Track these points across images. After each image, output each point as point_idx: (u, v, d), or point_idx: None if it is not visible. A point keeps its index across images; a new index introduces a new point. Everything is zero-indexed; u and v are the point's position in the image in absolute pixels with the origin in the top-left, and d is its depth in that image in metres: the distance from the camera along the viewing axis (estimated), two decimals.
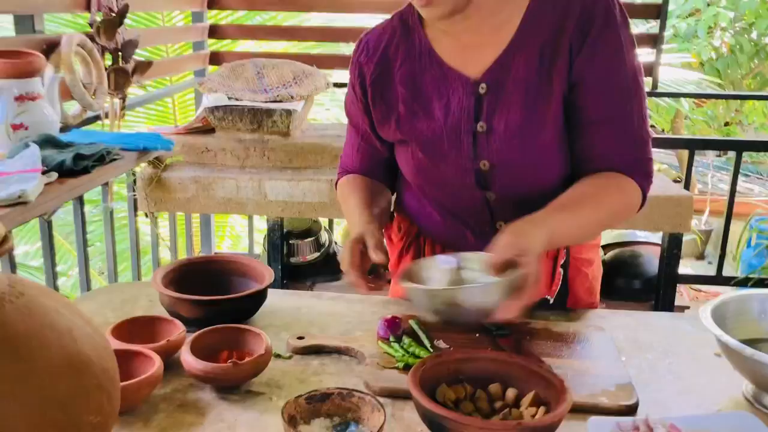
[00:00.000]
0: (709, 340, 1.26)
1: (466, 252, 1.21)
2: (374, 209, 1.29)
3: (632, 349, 1.26)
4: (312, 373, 1.16)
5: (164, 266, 1.38)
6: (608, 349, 1.23)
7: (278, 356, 1.20)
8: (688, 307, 2.97)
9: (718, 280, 3.22)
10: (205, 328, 1.16)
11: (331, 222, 3.43)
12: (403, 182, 1.41)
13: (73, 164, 1.49)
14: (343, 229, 3.53)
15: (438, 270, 1.19)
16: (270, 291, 1.35)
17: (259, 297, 1.32)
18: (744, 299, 1.17)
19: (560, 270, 1.36)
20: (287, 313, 1.38)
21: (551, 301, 1.37)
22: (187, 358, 1.08)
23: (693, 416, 1.02)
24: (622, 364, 1.18)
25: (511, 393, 1.00)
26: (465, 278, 1.18)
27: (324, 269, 2.91)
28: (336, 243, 3.09)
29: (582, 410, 1.04)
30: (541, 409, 0.95)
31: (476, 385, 1.02)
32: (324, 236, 2.96)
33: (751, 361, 1.02)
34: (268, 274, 1.35)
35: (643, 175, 1.21)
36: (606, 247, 3.11)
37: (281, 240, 2.71)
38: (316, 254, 2.91)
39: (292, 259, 2.85)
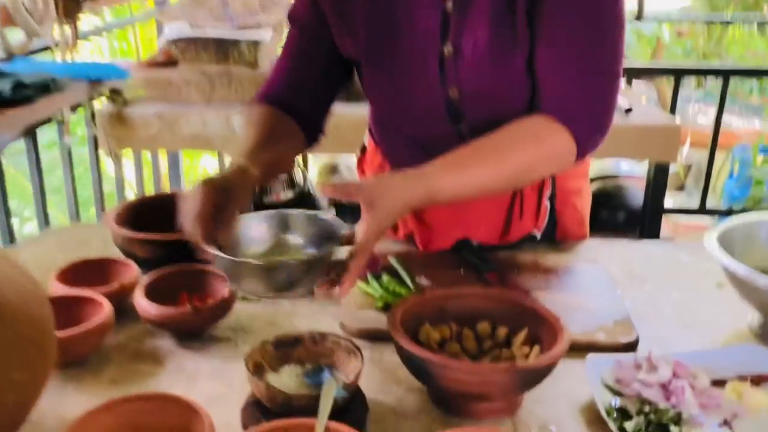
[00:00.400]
0: (709, 269, 1.18)
1: (297, 210, 1.02)
2: (264, 153, 1.02)
3: (628, 281, 1.17)
4: (283, 316, 1.06)
5: (119, 204, 1.26)
6: (603, 281, 1.14)
7: (245, 299, 1.09)
8: (672, 239, 2.92)
9: (702, 212, 3.17)
10: (162, 269, 1.04)
11: (305, 158, 3.30)
12: (371, 114, 1.29)
13: (12, 93, 1.34)
14: (320, 166, 3.40)
15: (260, 229, 0.99)
16: None
17: None
18: (751, 225, 1.08)
19: (546, 203, 1.26)
20: None
21: (538, 237, 1.27)
22: (142, 303, 0.97)
23: (698, 352, 0.94)
24: (619, 297, 1.09)
25: (501, 331, 0.91)
26: (290, 243, 0.99)
27: (300, 209, 2.78)
28: (311, 182, 2.96)
29: (578, 348, 0.96)
30: (535, 348, 0.86)
31: (462, 324, 0.92)
32: (298, 174, 2.83)
33: (762, 291, 0.93)
34: None
35: (587, 120, 1.03)
36: (590, 181, 3.02)
37: None
38: (291, 193, 2.78)
39: (265, 199, 2.72)
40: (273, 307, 1.08)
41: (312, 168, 3.45)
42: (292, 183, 2.81)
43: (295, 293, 0.87)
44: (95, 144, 2.45)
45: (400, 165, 1.26)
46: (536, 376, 0.79)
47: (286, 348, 0.85)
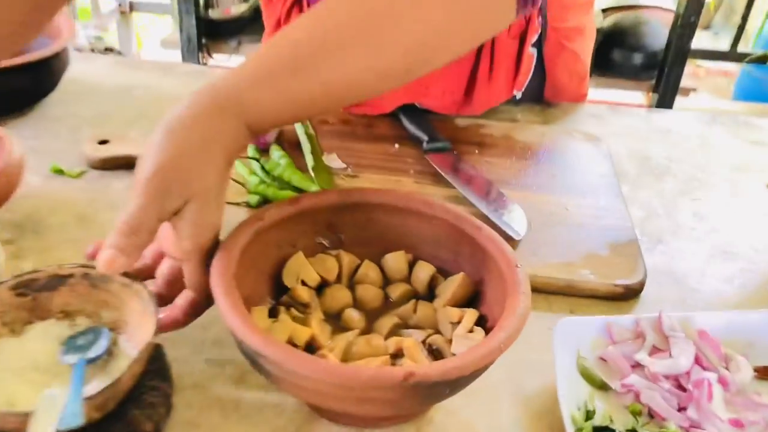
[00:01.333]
0: (756, 160, 0.82)
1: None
2: None
3: (640, 172, 0.80)
4: (106, 206, 0.69)
5: None
6: (602, 174, 0.77)
7: (60, 172, 0.73)
8: (694, 89, 2.49)
9: (731, 56, 2.71)
10: None
11: None
12: None
13: None
14: None
15: None
16: (91, 58, 0.86)
17: (46, 68, 0.81)
18: None
19: (531, 51, 0.84)
20: (107, 97, 0.88)
21: (518, 97, 0.87)
22: None
23: (738, 314, 0.59)
24: (623, 201, 0.72)
25: (422, 272, 0.55)
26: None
27: (253, 25, 2.34)
28: None
29: (547, 290, 0.61)
30: (470, 313, 0.50)
31: (362, 255, 0.56)
32: None
33: None
34: (67, 29, 0.83)
35: None
36: (603, 12, 2.53)
37: None
38: (243, 6, 2.31)
39: (212, 13, 2.27)
40: (97, 189, 0.71)
41: None
42: None
43: None
44: None
45: None
46: (453, 385, 0.44)
47: (40, 292, 0.49)
